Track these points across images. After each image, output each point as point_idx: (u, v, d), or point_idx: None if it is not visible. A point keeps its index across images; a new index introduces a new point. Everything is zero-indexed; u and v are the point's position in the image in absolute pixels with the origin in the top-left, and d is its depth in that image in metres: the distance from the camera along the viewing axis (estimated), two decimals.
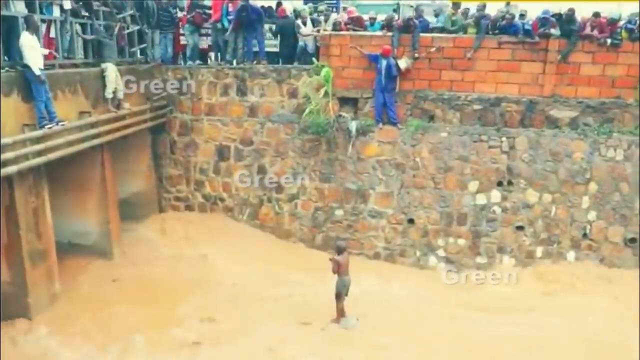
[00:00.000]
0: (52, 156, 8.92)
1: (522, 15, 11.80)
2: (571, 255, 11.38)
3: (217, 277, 10.78)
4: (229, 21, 12.49)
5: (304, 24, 12.60)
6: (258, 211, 12.70)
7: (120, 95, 10.82)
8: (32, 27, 8.57)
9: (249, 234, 12.62)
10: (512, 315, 9.42)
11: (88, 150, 10.08)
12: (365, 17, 12.78)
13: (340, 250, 9.20)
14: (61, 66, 9.85)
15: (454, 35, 11.62)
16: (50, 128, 8.82)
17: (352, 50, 11.86)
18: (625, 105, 11.12)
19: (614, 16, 11.16)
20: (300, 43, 12.63)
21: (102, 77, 10.43)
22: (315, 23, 12.79)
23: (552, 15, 11.22)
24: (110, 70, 10.46)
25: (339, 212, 12.21)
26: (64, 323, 8.85)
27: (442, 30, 11.87)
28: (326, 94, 11.85)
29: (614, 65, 11.09)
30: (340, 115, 11.97)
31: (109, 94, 10.52)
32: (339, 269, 9.03)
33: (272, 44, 13.28)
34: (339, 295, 9.16)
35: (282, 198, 12.51)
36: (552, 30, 11.05)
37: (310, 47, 12.56)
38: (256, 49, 12.72)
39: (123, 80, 10.89)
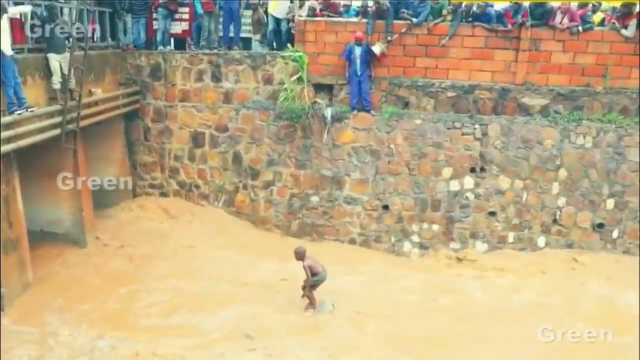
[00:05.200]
0: (22, 143, 8.75)
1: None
2: (541, 240, 11.64)
3: (192, 264, 10.77)
4: (202, 5, 12.37)
5: None
6: (234, 198, 12.68)
7: (72, 84, 9.82)
8: (2, 10, 8.37)
9: (224, 220, 12.60)
10: None
11: (60, 137, 9.89)
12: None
13: (301, 256, 9.09)
14: (30, 51, 9.63)
15: (428, 22, 11.60)
16: (19, 114, 8.65)
17: (327, 37, 11.84)
18: (595, 93, 11.31)
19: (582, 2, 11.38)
20: (270, 27, 12.56)
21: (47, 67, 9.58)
22: None
23: None
24: (52, 60, 9.56)
25: (314, 199, 12.27)
26: (35, 312, 8.77)
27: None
28: (301, 80, 11.84)
29: (584, 53, 11.25)
30: (315, 102, 11.97)
31: (55, 85, 9.66)
32: (313, 272, 9.05)
33: (247, 30, 13.20)
34: (311, 287, 9.21)
35: (258, 185, 12.50)
36: (527, 21, 11.17)
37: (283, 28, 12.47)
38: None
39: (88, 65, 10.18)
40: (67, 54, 9.64)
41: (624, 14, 11.07)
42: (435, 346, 8.50)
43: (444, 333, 8.86)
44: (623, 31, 10.95)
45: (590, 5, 11.39)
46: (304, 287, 9.23)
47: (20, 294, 9.09)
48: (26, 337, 8.18)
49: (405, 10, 11.47)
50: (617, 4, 11.40)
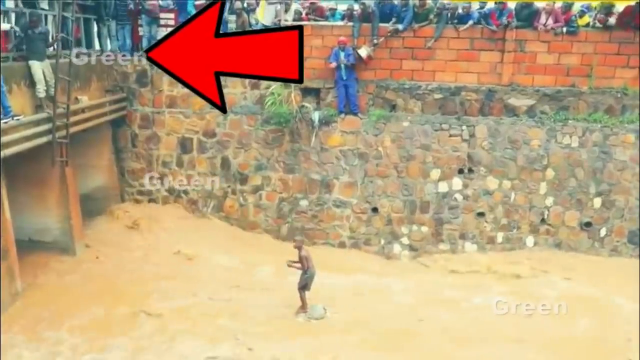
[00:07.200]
0: (8, 152, 8.67)
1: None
2: (530, 240, 11.71)
3: (182, 270, 10.74)
4: (195, 7, 12.36)
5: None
6: (223, 203, 12.66)
7: (51, 92, 9.67)
8: None
9: (214, 226, 12.57)
10: None
11: (46, 145, 9.84)
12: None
13: (300, 244, 9.32)
14: (15, 59, 9.56)
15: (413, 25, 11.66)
16: (5, 123, 8.58)
17: (314, 41, 11.87)
18: (580, 93, 11.43)
19: (567, 2, 11.45)
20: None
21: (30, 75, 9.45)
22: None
23: None
24: (36, 68, 9.45)
25: (303, 203, 12.28)
26: (24, 320, 8.71)
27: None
28: (288, 84, 11.83)
29: (568, 54, 11.37)
30: (303, 106, 11.99)
31: (40, 93, 9.58)
32: (308, 263, 9.15)
33: None
34: (304, 287, 9.26)
35: (247, 190, 12.49)
36: (512, 22, 11.25)
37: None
38: None
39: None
40: (48, 61, 9.59)
41: (606, 15, 11.16)
42: (427, 350, 8.52)
43: (435, 338, 8.86)
44: (610, 20, 10.99)
45: (578, 11, 11.46)
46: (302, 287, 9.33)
47: (9, 303, 9.00)
48: (14, 346, 8.10)
49: (391, 24, 11.57)
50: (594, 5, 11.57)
